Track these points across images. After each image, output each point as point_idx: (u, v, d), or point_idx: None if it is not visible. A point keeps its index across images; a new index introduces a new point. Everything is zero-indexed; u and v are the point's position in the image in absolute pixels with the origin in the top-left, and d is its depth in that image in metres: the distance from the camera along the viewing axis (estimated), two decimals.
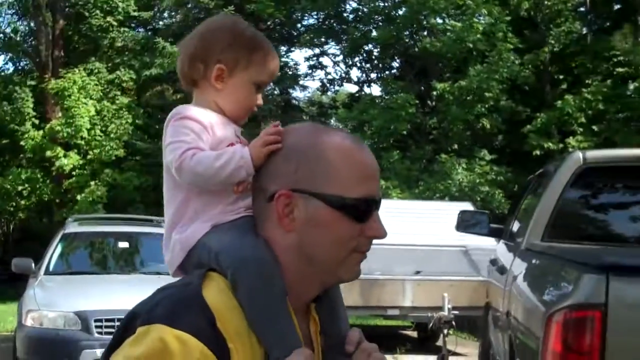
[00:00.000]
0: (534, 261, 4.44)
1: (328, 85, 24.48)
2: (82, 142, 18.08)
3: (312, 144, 1.37)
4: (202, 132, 1.47)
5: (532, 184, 6.12)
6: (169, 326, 1.25)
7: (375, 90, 37.08)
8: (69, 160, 17.99)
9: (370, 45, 21.91)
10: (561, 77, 21.11)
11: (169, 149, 1.46)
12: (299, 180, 1.35)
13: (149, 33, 21.61)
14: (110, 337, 1.35)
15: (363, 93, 22.85)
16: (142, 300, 1.36)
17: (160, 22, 23.07)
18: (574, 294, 3.06)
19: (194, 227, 1.44)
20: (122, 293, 7.24)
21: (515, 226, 5.87)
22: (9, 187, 19.05)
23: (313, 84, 53.88)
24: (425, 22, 18.51)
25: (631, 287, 3.00)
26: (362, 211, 1.35)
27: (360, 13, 21.47)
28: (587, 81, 18.44)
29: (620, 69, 18.76)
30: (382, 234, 1.39)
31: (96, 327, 7.34)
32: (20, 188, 19.00)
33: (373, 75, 23.69)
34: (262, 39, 1.56)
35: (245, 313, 1.32)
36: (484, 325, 6.53)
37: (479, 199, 15.59)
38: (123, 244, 9.64)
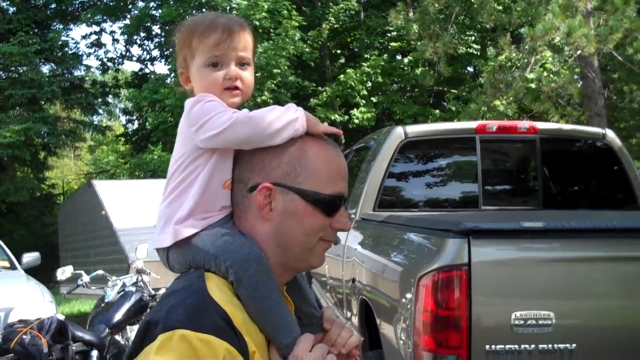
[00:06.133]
0: (378, 230, 4.78)
1: (108, 64, 23.75)
2: None
3: (296, 144, 1.48)
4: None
5: (349, 157, 6.41)
6: (190, 330, 1.30)
7: (161, 68, 36.22)
8: None
9: (152, 24, 21.56)
10: (339, 51, 22.16)
11: (209, 124, 1.46)
12: (281, 175, 1.46)
13: None
14: None
15: (147, 71, 22.45)
16: (154, 308, 1.41)
17: None
18: (440, 257, 3.42)
19: (187, 224, 1.49)
20: None
21: None
22: None
23: (94, 63, 51.58)
24: (212, 1, 18.53)
25: (488, 247, 3.41)
26: (333, 206, 1.49)
27: None
28: (365, 55, 19.55)
29: (394, 44, 20.11)
30: (347, 227, 1.52)
31: None
32: None
33: (155, 53, 23.34)
34: (192, 27, 1.58)
35: (248, 306, 1.42)
36: None
37: None
38: None
